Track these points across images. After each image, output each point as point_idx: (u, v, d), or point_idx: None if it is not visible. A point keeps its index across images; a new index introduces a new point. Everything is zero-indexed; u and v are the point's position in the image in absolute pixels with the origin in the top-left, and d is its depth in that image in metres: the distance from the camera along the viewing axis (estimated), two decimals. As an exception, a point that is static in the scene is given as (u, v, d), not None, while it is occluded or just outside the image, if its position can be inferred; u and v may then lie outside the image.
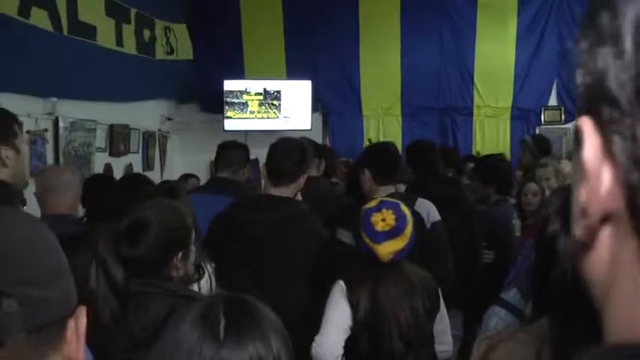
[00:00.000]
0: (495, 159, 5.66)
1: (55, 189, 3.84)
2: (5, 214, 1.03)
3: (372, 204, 3.22)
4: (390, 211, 3.11)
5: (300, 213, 3.66)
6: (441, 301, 3.26)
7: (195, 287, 2.77)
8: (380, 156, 4.40)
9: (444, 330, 3.28)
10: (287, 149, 3.78)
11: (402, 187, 4.63)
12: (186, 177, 7.11)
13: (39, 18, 5.32)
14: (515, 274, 3.42)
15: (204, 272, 2.88)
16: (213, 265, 3.18)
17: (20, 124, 3.07)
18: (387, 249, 3.07)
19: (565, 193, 1.70)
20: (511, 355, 1.64)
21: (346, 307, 3.08)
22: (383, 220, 3.09)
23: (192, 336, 1.43)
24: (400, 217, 3.11)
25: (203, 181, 7.32)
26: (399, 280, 3.12)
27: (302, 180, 3.81)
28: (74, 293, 1.04)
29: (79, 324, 1.02)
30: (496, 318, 3.26)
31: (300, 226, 3.60)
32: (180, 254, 2.51)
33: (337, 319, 3.09)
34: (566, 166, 5.74)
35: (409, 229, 3.12)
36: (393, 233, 3.07)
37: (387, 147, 4.59)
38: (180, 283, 2.51)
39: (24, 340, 0.91)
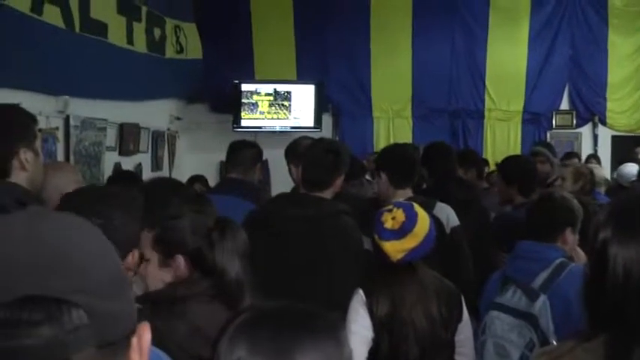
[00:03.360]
0: (519, 159, 5.52)
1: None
2: (62, 217, 0.95)
3: (388, 206, 3.17)
4: (401, 210, 3.04)
5: (338, 213, 3.57)
6: (465, 311, 3.17)
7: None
8: (396, 159, 4.31)
9: (465, 341, 3.17)
10: (319, 156, 3.68)
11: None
12: (192, 181, 7.01)
13: (51, 15, 5.28)
14: (507, 274, 3.36)
15: None
16: None
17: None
18: (395, 247, 2.99)
19: (616, 200, 1.66)
20: None
21: (366, 318, 3.00)
22: (393, 218, 3.02)
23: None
24: (410, 216, 3.03)
25: (211, 181, 7.28)
26: (414, 284, 3.05)
27: (339, 182, 3.72)
28: (135, 307, 0.96)
29: (142, 342, 0.94)
30: (498, 322, 3.21)
31: (338, 225, 3.52)
32: None
33: (358, 332, 3.00)
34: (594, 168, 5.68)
35: (420, 227, 3.03)
36: (402, 231, 2.99)
37: (403, 149, 4.51)
38: None
39: (91, 359, 0.83)
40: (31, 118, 2.80)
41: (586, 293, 1.60)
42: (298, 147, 4.78)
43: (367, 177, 6.34)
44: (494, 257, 4.86)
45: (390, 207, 3.13)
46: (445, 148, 5.28)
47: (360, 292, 3.07)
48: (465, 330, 3.16)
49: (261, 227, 3.57)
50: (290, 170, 4.90)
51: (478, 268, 4.34)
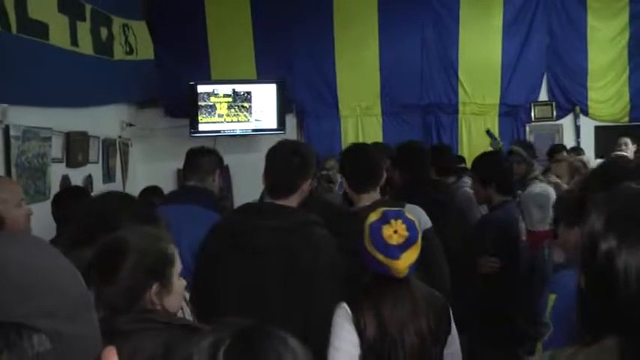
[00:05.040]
0: (494, 157, 5.52)
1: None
2: (21, 241, 0.96)
3: (375, 217, 3.04)
4: (400, 221, 2.95)
5: (309, 224, 3.48)
6: (452, 322, 3.11)
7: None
8: (353, 161, 4.22)
9: (455, 354, 3.12)
10: (284, 157, 3.60)
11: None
12: (146, 192, 6.80)
13: (-16, 15, 5.10)
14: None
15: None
16: (188, 293, 3.00)
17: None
18: (405, 263, 2.92)
19: (610, 204, 1.65)
20: None
21: (353, 334, 2.92)
22: (395, 232, 2.93)
23: None
24: (411, 226, 2.96)
25: (168, 192, 7.14)
26: (406, 299, 2.97)
27: (305, 187, 3.63)
28: (99, 331, 0.96)
29: None
30: None
31: (309, 237, 3.42)
32: (155, 286, 2.30)
33: (344, 349, 2.92)
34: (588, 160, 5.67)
35: (420, 236, 2.98)
36: (408, 244, 2.92)
37: (361, 150, 4.39)
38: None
39: None
40: None
41: (585, 304, 1.65)
42: None
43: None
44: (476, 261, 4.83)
45: (379, 217, 3.03)
46: (417, 148, 5.25)
47: (345, 306, 2.98)
48: (454, 343, 3.12)
49: (227, 241, 3.49)
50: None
51: (459, 274, 4.28)
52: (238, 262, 3.42)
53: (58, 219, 4.63)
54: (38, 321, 0.82)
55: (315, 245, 3.39)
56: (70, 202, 4.68)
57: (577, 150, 8.88)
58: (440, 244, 4.08)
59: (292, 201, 3.57)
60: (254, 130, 9.19)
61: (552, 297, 3.08)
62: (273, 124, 9.22)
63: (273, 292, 3.33)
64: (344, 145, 9.59)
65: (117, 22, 7.92)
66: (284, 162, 3.56)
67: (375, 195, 4.08)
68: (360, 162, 4.17)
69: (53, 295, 0.87)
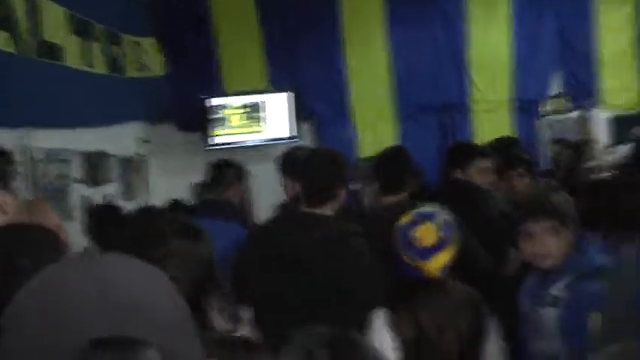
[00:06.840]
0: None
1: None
2: (123, 260, 0.98)
3: (406, 219, 3.06)
4: (430, 222, 2.97)
5: (349, 236, 3.49)
6: (490, 321, 3.11)
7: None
8: (382, 164, 4.25)
9: (493, 354, 3.12)
10: (319, 164, 3.62)
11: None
12: (170, 207, 6.82)
13: (0, 40, 5.15)
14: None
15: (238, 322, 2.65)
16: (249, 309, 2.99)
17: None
18: (437, 264, 2.94)
19: None
20: None
21: (389, 340, 2.94)
22: (426, 233, 2.95)
23: None
24: (442, 227, 2.97)
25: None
26: (444, 301, 2.98)
27: (342, 195, 3.64)
28: (201, 346, 0.97)
29: None
30: None
31: (349, 247, 3.43)
32: (218, 295, 2.29)
33: (384, 354, 2.95)
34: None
35: (455, 236, 2.99)
36: (442, 244, 2.93)
37: (391, 153, 4.44)
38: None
39: None
40: (7, 159, 2.74)
41: None
42: (295, 159, 4.71)
43: None
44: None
45: (410, 219, 3.04)
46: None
47: (383, 312, 2.99)
48: (495, 341, 3.10)
49: (266, 252, 3.50)
50: (286, 185, 4.83)
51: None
52: (276, 276, 3.43)
53: (94, 238, 4.69)
54: (149, 337, 0.84)
55: (358, 259, 3.41)
56: (107, 220, 4.77)
57: (592, 141, 8.87)
58: (469, 234, 4.01)
59: (329, 209, 3.58)
60: (268, 140, 9.23)
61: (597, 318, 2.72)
62: (288, 133, 9.27)
63: (314, 303, 3.33)
64: (361, 152, 9.67)
65: (128, 40, 7.98)
66: (323, 170, 3.58)
67: (398, 198, 4.09)
68: (388, 164, 4.20)
69: (162, 314, 0.89)
